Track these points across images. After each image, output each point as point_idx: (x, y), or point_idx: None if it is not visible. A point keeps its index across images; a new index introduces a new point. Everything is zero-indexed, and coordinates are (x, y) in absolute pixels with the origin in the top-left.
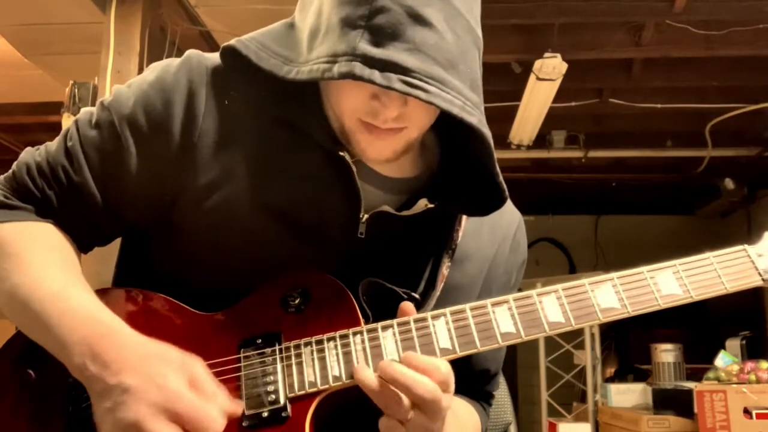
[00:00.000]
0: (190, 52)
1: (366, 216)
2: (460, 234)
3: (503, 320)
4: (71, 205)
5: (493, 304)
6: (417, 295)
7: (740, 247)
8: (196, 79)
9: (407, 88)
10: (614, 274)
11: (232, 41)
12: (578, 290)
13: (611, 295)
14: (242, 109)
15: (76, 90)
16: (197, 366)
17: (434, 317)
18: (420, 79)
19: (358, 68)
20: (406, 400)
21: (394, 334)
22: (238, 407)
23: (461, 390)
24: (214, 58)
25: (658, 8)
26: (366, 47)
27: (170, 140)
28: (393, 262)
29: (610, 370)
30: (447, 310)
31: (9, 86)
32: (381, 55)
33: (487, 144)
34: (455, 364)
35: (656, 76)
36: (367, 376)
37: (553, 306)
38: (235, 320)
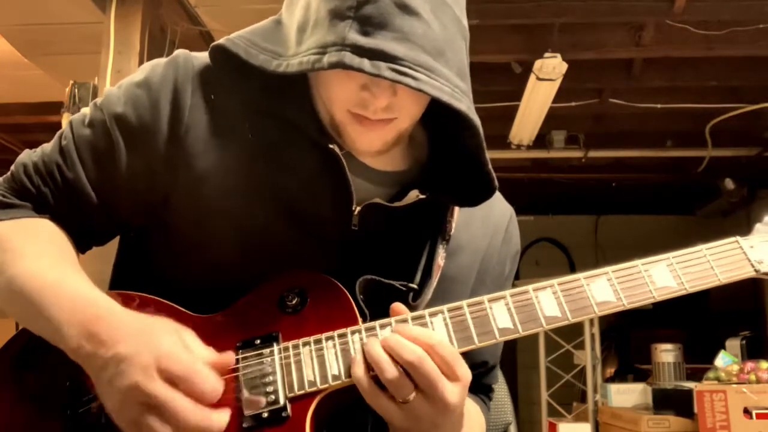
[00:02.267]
0: (178, 52)
1: (358, 208)
2: (453, 225)
3: (500, 316)
4: (65, 202)
5: (490, 300)
6: (415, 286)
7: (732, 239)
8: (182, 76)
9: (396, 75)
10: (609, 268)
11: (221, 40)
12: (574, 284)
13: (606, 288)
14: (231, 105)
15: (76, 90)
16: (189, 333)
17: (432, 314)
18: (409, 67)
19: (348, 57)
20: (406, 378)
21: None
22: (230, 359)
23: None
24: (203, 56)
25: (658, 8)
26: (355, 37)
27: (158, 138)
28: (388, 254)
29: (610, 370)
30: (444, 307)
31: (9, 86)
32: (370, 44)
33: (476, 131)
34: None
35: (656, 76)
36: (374, 348)
37: (550, 301)
38: (232, 321)
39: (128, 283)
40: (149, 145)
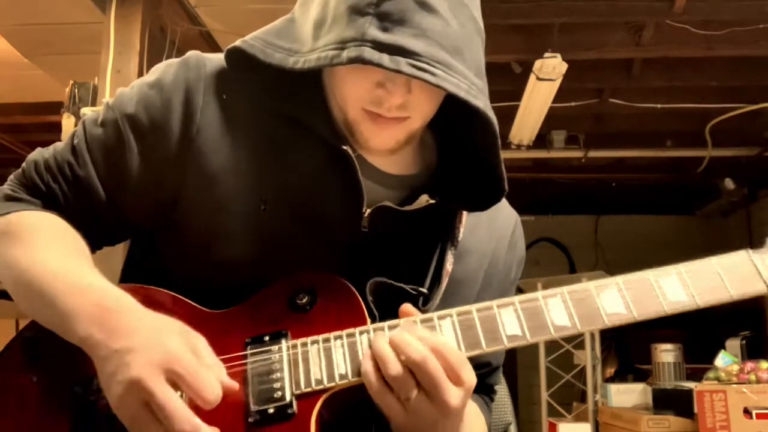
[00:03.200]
0: (190, 53)
1: (368, 211)
2: (462, 230)
3: (509, 322)
4: (75, 200)
5: (499, 306)
6: (425, 290)
7: (742, 251)
8: (194, 77)
9: (415, 71)
10: (619, 278)
11: (237, 42)
12: (584, 294)
13: (617, 299)
14: (242, 106)
15: (76, 90)
16: (200, 339)
17: (440, 317)
18: (428, 63)
19: (368, 52)
20: (409, 375)
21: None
22: (234, 383)
23: None
24: (215, 58)
25: (658, 8)
26: (375, 32)
27: (170, 137)
28: (396, 257)
29: (610, 370)
30: (453, 311)
31: (9, 86)
32: (389, 39)
33: (493, 129)
34: None
35: (656, 76)
36: (380, 343)
37: (559, 309)
38: (242, 318)
39: (138, 280)
40: (160, 145)
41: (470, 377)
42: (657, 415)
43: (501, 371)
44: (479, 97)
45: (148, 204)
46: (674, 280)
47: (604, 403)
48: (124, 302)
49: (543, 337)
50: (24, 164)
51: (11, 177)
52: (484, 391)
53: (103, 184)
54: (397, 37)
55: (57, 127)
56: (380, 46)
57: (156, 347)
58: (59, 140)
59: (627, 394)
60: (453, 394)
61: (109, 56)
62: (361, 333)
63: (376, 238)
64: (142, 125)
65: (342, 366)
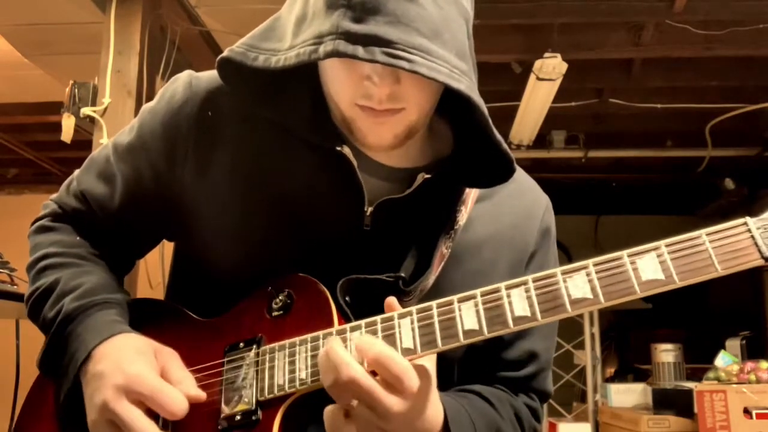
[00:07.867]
0: (184, 75)
1: (370, 209)
2: (465, 215)
3: (468, 317)
4: (98, 224)
5: (460, 300)
6: (402, 274)
7: (741, 220)
8: (181, 100)
9: (390, 59)
10: (591, 261)
11: (225, 52)
12: (550, 281)
13: (584, 284)
14: (232, 119)
15: (76, 90)
16: (170, 357)
17: (401, 316)
18: (403, 50)
19: (342, 45)
20: (342, 389)
21: (360, 335)
22: (201, 394)
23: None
24: (207, 75)
25: (658, 8)
26: (348, 24)
27: (159, 167)
28: (398, 250)
29: (610, 370)
30: (414, 308)
31: (9, 86)
32: (363, 30)
33: (480, 111)
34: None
35: (656, 76)
36: (321, 357)
37: (521, 299)
38: (225, 326)
39: (182, 279)
40: (153, 173)
41: (412, 384)
42: (657, 415)
43: (549, 374)
44: (462, 80)
45: (148, 226)
46: (652, 259)
47: (604, 403)
48: (118, 335)
49: (501, 330)
50: (56, 197)
51: (44, 210)
52: (524, 390)
53: (110, 211)
54: (371, 27)
55: (57, 127)
56: (354, 38)
57: (119, 371)
58: (59, 140)
59: (627, 394)
60: (392, 403)
61: (109, 56)
62: (324, 337)
63: (380, 233)
64: (133, 156)
65: (303, 371)
